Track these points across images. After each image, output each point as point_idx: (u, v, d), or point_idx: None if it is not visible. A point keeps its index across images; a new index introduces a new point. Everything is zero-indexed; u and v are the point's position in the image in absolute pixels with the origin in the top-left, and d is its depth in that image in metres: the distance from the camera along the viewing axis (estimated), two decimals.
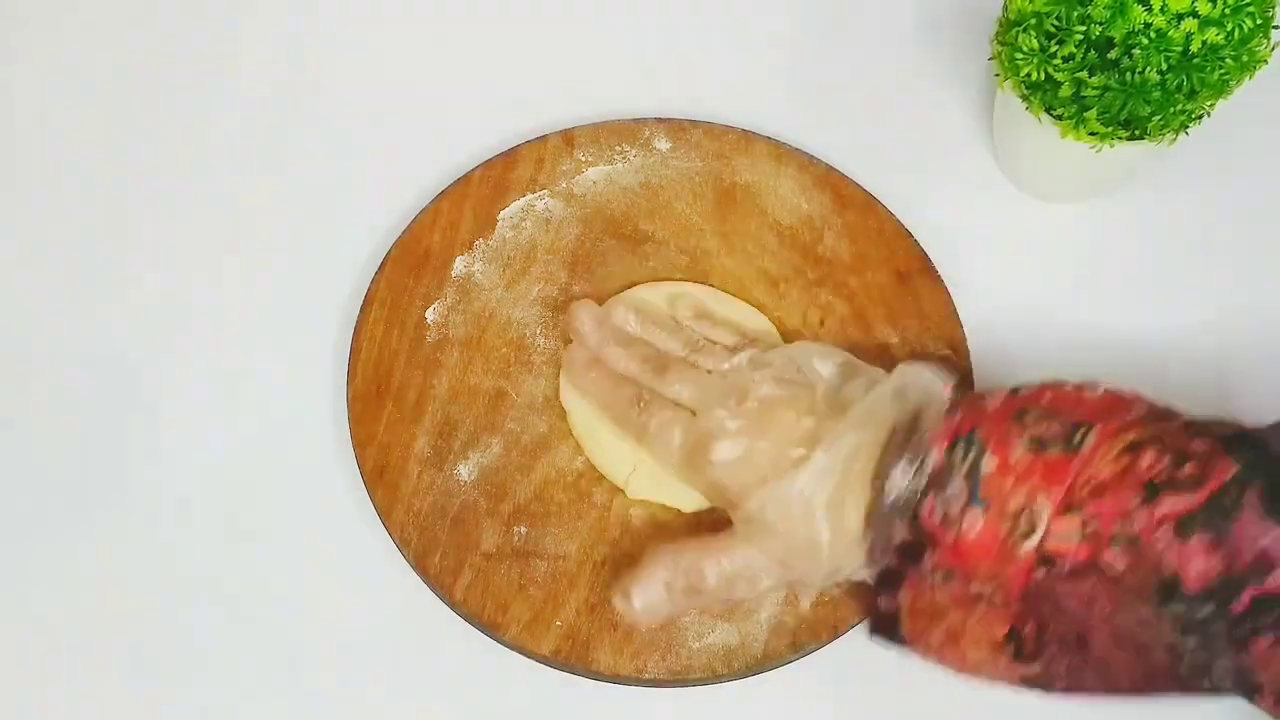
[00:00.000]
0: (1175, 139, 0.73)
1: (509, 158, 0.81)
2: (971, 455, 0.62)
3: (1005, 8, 0.73)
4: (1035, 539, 0.60)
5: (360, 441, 0.74)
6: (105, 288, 0.80)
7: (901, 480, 0.64)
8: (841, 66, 0.88)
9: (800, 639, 0.70)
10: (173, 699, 0.71)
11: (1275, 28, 0.68)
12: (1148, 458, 0.59)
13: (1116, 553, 0.58)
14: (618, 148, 0.82)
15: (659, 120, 0.82)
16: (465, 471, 0.74)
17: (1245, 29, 0.66)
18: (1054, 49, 0.69)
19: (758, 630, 0.70)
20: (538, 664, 0.70)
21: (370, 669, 0.71)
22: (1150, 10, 0.66)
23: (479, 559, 0.72)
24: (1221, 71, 0.67)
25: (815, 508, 0.65)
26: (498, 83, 0.86)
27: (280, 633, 0.72)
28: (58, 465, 0.75)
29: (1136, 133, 0.71)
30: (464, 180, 0.80)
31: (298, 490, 0.75)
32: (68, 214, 0.82)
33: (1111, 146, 0.72)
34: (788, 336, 0.77)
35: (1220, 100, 0.71)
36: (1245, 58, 0.67)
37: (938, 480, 0.63)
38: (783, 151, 0.82)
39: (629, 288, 0.79)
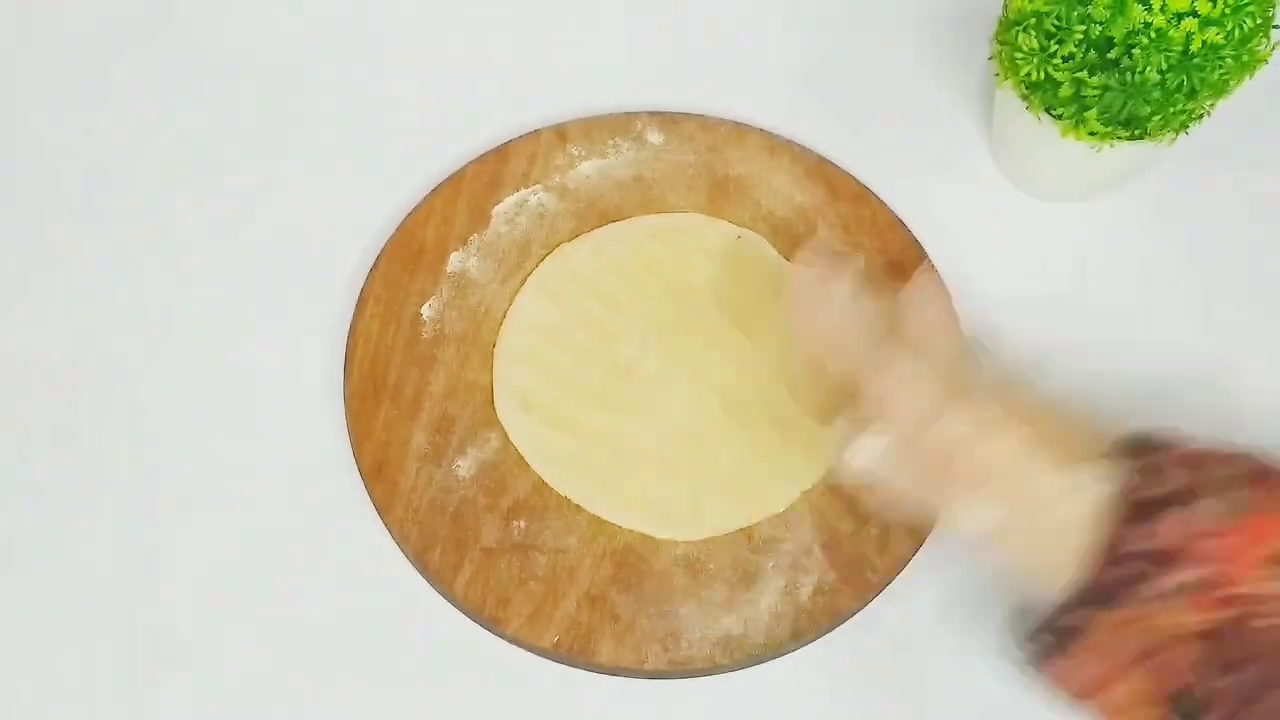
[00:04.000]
0: (1175, 138, 0.73)
1: (502, 153, 0.81)
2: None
3: (1005, 7, 0.73)
4: None
5: (358, 439, 0.74)
6: (100, 290, 0.79)
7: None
8: (837, 61, 0.88)
9: (800, 627, 0.70)
10: (172, 697, 0.70)
11: (1275, 27, 0.69)
12: None
13: None
14: (610, 141, 0.82)
15: (651, 114, 0.83)
16: (464, 467, 0.74)
17: (1245, 29, 0.66)
18: (1054, 49, 0.69)
19: (759, 619, 0.71)
20: (540, 657, 0.70)
21: (373, 665, 0.71)
22: (1150, 10, 0.66)
23: (479, 554, 0.72)
24: (1221, 71, 0.68)
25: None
26: (489, 79, 0.86)
27: (281, 631, 0.71)
28: (54, 465, 0.75)
29: (1136, 132, 0.72)
30: (457, 176, 0.80)
31: (296, 488, 0.74)
32: (60, 214, 0.81)
33: (1111, 146, 0.73)
34: None
35: (1220, 100, 0.71)
36: (1245, 57, 0.68)
37: (1180, 498, 0.58)
38: (775, 144, 0.82)
39: None
